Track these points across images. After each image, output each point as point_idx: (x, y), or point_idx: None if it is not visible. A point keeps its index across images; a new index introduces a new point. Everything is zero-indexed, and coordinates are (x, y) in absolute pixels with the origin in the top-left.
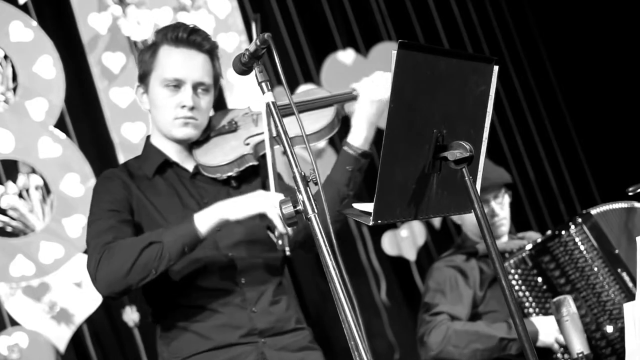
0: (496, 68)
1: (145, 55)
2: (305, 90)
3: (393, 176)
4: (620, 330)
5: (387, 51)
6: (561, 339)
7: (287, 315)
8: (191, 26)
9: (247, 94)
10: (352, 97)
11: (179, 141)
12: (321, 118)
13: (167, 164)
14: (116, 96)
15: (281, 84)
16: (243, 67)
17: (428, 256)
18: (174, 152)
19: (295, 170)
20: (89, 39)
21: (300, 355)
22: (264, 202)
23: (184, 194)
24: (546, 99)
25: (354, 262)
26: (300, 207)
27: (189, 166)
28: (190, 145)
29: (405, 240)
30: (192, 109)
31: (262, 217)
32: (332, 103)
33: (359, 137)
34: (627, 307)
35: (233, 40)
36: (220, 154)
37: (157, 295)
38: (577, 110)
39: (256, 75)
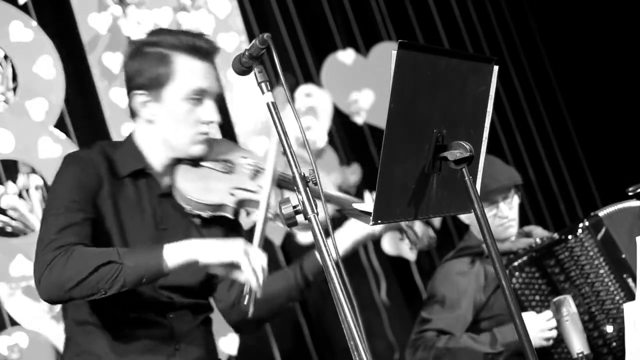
0: (496, 68)
1: (151, 62)
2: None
3: (393, 176)
4: (619, 330)
5: (387, 51)
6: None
7: (205, 353)
8: (205, 36)
9: (246, 93)
10: (362, 216)
11: (179, 156)
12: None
13: (142, 173)
14: (116, 96)
15: (281, 84)
16: (242, 67)
17: (428, 256)
18: (157, 160)
19: (294, 170)
20: (89, 39)
21: None
22: (241, 253)
23: (147, 210)
24: (546, 99)
25: (354, 262)
26: (299, 207)
27: (166, 180)
28: (179, 160)
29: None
30: (211, 123)
31: (232, 266)
32: (344, 208)
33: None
34: (627, 307)
35: (233, 40)
36: (202, 190)
37: (78, 311)
38: (577, 110)
39: (256, 76)
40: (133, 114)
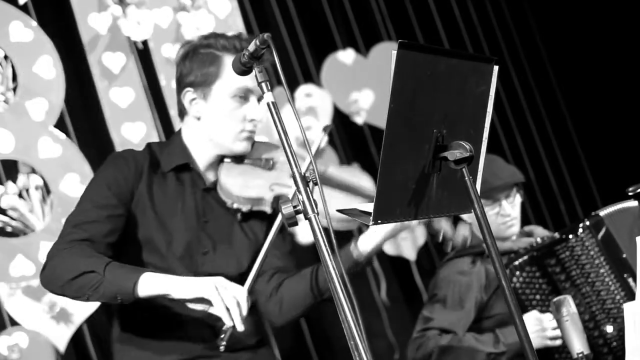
0: (496, 68)
1: (203, 62)
2: (351, 172)
3: (393, 176)
4: (620, 330)
5: (387, 51)
6: (553, 334)
7: (250, 332)
8: (249, 38)
9: None
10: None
11: (222, 153)
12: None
13: (186, 168)
14: (116, 96)
15: (281, 84)
16: (243, 67)
17: (428, 256)
18: (201, 158)
19: (295, 170)
20: (89, 39)
21: None
22: (212, 289)
23: (189, 202)
24: (546, 99)
25: None
26: (300, 207)
27: (210, 176)
28: (222, 157)
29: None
30: (255, 121)
31: (206, 302)
32: (364, 197)
33: (369, 243)
34: (627, 307)
35: None
36: (243, 186)
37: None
38: (577, 110)
39: (256, 76)
40: (182, 113)
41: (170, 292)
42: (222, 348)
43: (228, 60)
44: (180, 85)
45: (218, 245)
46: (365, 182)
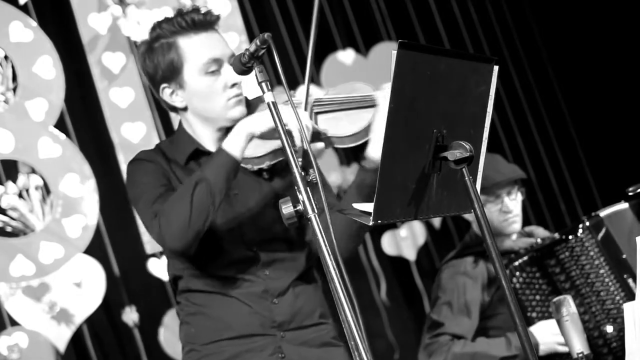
0: (496, 68)
1: (162, 55)
2: (343, 86)
3: (393, 176)
4: (620, 330)
5: (387, 51)
6: (561, 340)
7: (309, 309)
8: (196, 7)
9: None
10: (372, 104)
11: (224, 125)
12: (358, 120)
13: (199, 153)
14: (116, 96)
15: (281, 84)
16: (243, 67)
17: (428, 256)
18: (208, 140)
19: (295, 170)
20: (89, 39)
21: (321, 351)
22: (285, 112)
23: None
24: (546, 99)
25: (354, 262)
26: (300, 207)
27: None
28: (227, 130)
29: (405, 240)
30: (236, 84)
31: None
32: (357, 105)
33: (378, 149)
34: (627, 307)
35: (233, 40)
36: (254, 146)
37: (181, 281)
38: (577, 110)
39: (256, 75)
40: (171, 108)
41: (253, 130)
42: (314, 180)
43: (182, 41)
44: (155, 86)
45: (253, 209)
46: (364, 89)
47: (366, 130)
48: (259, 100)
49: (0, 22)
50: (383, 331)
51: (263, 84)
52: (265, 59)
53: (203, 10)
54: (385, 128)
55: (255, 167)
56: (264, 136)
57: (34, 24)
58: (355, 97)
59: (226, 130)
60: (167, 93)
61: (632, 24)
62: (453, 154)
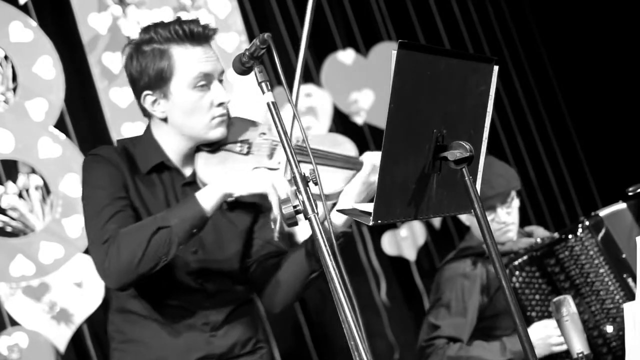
0: (496, 68)
1: (152, 60)
2: (321, 138)
3: (393, 176)
4: (619, 330)
5: (387, 51)
6: (555, 341)
7: (246, 338)
8: (198, 20)
9: (246, 93)
10: (356, 168)
11: (200, 143)
12: (335, 181)
13: (163, 166)
14: (116, 96)
15: (281, 84)
16: (243, 67)
17: (428, 256)
18: (175, 153)
19: (295, 170)
20: (89, 39)
21: None
22: (268, 183)
23: (173, 202)
24: (546, 99)
25: (353, 262)
26: (300, 207)
27: (187, 171)
28: (197, 147)
29: (405, 240)
30: (223, 104)
31: (262, 197)
32: (340, 165)
33: (342, 216)
34: (627, 307)
35: (233, 40)
36: (223, 175)
37: (120, 301)
38: (577, 110)
39: (256, 76)
40: (146, 114)
41: (231, 191)
42: (276, 237)
43: (176, 50)
44: (137, 90)
45: (205, 241)
46: (348, 147)
47: (338, 195)
48: (237, 121)
49: (0, 22)
50: (383, 331)
51: (263, 84)
52: (265, 59)
53: (202, 22)
54: (385, 128)
55: None
56: (240, 199)
57: (34, 24)
58: (338, 155)
59: (196, 148)
60: (149, 100)
61: (632, 24)
62: (453, 154)
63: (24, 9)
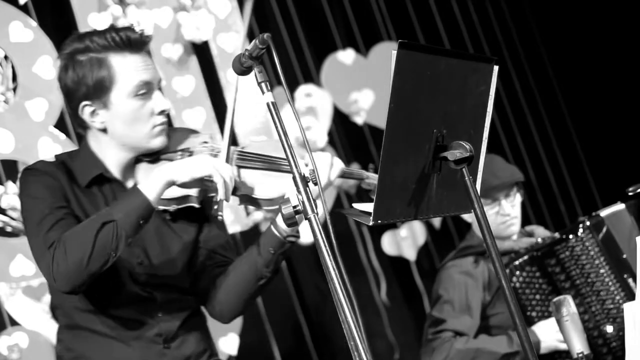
0: (496, 68)
1: (89, 70)
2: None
3: (393, 176)
4: (619, 330)
5: (387, 51)
6: (562, 337)
7: (200, 350)
8: (133, 27)
9: (246, 93)
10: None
11: (140, 153)
12: (278, 186)
13: (103, 178)
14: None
15: (281, 84)
16: (242, 67)
17: (428, 256)
18: (115, 165)
19: (295, 170)
20: None
21: None
22: (210, 165)
23: None
24: (546, 99)
25: (353, 262)
26: (299, 207)
27: (129, 183)
28: (137, 158)
29: (405, 240)
30: (164, 112)
31: (205, 181)
32: (280, 169)
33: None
34: (627, 307)
35: (233, 40)
36: None
37: (68, 317)
38: (577, 110)
39: (256, 76)
40: (83, 126)
41: (174, 178)
42: (220, 217)
43: (114, 59)
44: (73, 101)
45: (150, 252)
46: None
47: (282, 198)
48: (177, 131)
49: (0, 22)
50: (383, 331)
51: (262, 85)
52: (265, 59)
53: (138, 30)
54: (385, 128)
55: (161, 208)
56: (184, 185)
57: (34, 24)
58: (279, 159)
59: (136, 159)
60: (87, 111)
61: (632, 24)
62: (453, 154)
63: (24, 9)
